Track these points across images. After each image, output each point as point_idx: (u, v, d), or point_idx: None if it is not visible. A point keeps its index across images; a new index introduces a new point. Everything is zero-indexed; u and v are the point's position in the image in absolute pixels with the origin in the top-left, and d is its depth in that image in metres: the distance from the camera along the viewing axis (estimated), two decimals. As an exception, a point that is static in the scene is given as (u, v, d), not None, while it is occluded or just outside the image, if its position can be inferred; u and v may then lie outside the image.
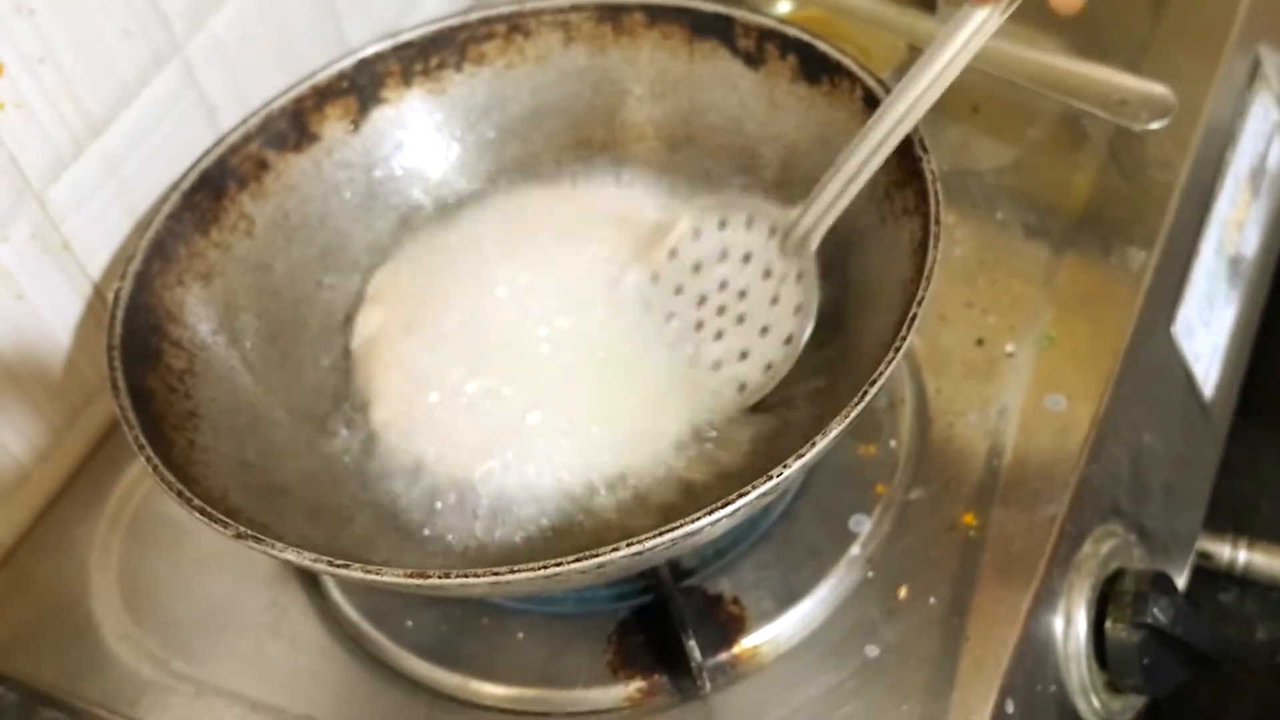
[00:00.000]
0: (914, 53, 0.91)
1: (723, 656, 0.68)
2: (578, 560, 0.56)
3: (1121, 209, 0.85)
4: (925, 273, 0.64)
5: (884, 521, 0.73)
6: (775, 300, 0.71)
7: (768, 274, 0.71)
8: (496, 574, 0.56)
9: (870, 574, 0.71)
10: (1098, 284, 0.82)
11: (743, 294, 0.72)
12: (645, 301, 0.74)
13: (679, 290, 0.74)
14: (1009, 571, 0.71)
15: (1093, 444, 0.75)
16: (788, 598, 0.70)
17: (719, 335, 0.72)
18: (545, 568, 0.56)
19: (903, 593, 0.70)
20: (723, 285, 0.73)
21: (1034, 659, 0.69)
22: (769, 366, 0.70)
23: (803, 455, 0.59)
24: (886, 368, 0.61)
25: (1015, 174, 0.88)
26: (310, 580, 0.74)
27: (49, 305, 0.75)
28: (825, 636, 0.70)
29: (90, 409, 0.80)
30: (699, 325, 0.73)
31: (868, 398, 0.60)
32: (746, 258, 0.72)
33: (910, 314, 0.63)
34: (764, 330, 0.71)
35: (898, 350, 0.62)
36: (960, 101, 0.92)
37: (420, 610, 0.71)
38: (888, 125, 0.67)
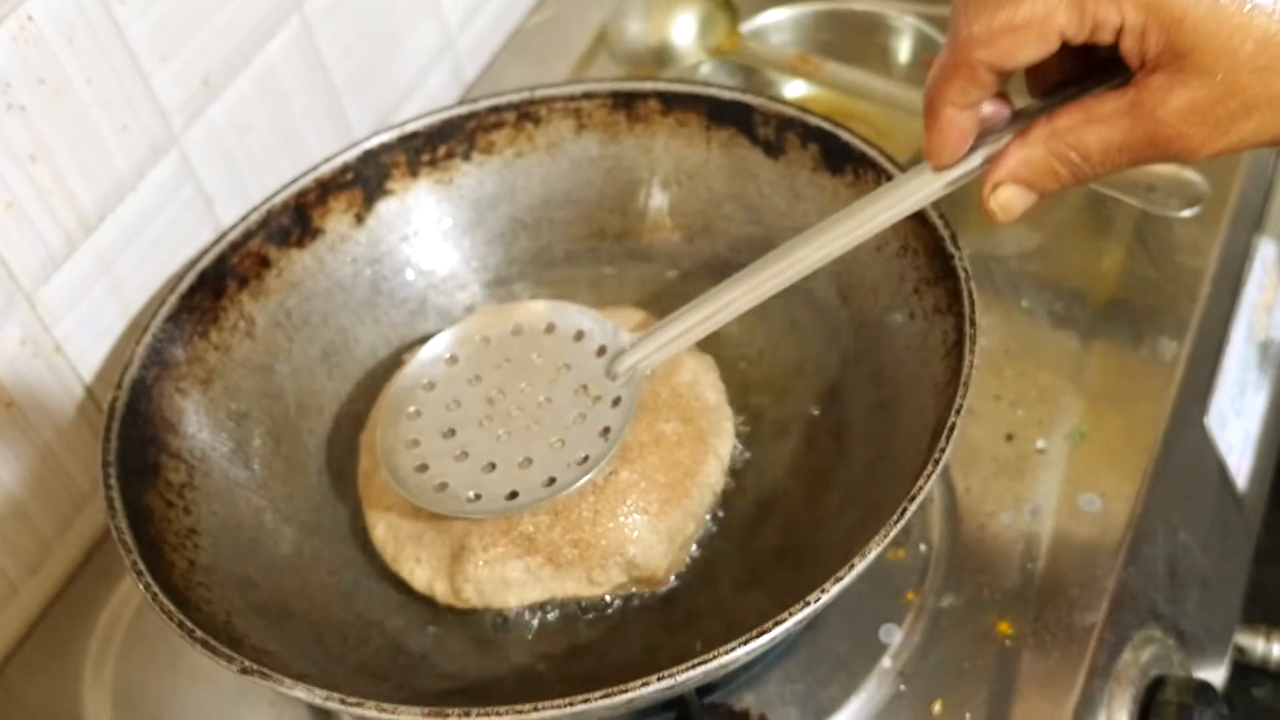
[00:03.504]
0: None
1: (750, 779, 0.65)
2: (606, 696, 0.53)
3: (1151, 296, 0.82)
4: (963, 378, 0.62)
5: (915, 631, 0.69)
6: (582, 417, 0.66)
7: (583, 389, 0.66)
8: (519, 711, 0.53)
9: (902, 687, 0.68)
10: (1128, 375, 0.79)
11: (547, 401, 0.67)
12: (432, 382, 0.69)
13: (474, 378, 0.69)
14: (1047, 683, 0.68)
15: (1129, 546, 0.72)
16: (817, 713, 0.67)
17: (505, 435, 0.67)
18: (571, 704, 0.53)
19: (937, 708, 0.67)
20: (527, 388, 0.68)
21: (1076, 778, 0.66)
22: (550, 481, 0.64)
23: (841, 578, 0.56)
24: (925, 482, 0.58)
25: (1040, 260, 0.85)
26: (315, 698, 0.70)
27: (39, 412, 0.72)
28: (857, 756, 0.66)
29: (81, 518, 0.77)
30: (485, 420, 0.67)
31: (907, 514, 0.57)
32: (565, 367, 0.68)
33: (949, 424, 0.60)
34: (558, 443, 0.65)
35: (937, 463, 0.59)
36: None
37: (433, 731, 0.68)
38: (763, 276, 0.62)
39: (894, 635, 0.69)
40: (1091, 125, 0.52)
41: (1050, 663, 0.68)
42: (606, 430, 0.65)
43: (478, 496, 0.64)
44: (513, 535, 0.65)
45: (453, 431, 0.67)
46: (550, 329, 0.69)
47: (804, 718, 0.67)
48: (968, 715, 0.66)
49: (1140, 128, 0.51)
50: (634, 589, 0.68)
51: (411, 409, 0.68)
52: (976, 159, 0.56)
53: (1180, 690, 0.70)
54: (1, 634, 0.73)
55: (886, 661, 0.68)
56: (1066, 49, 0.51)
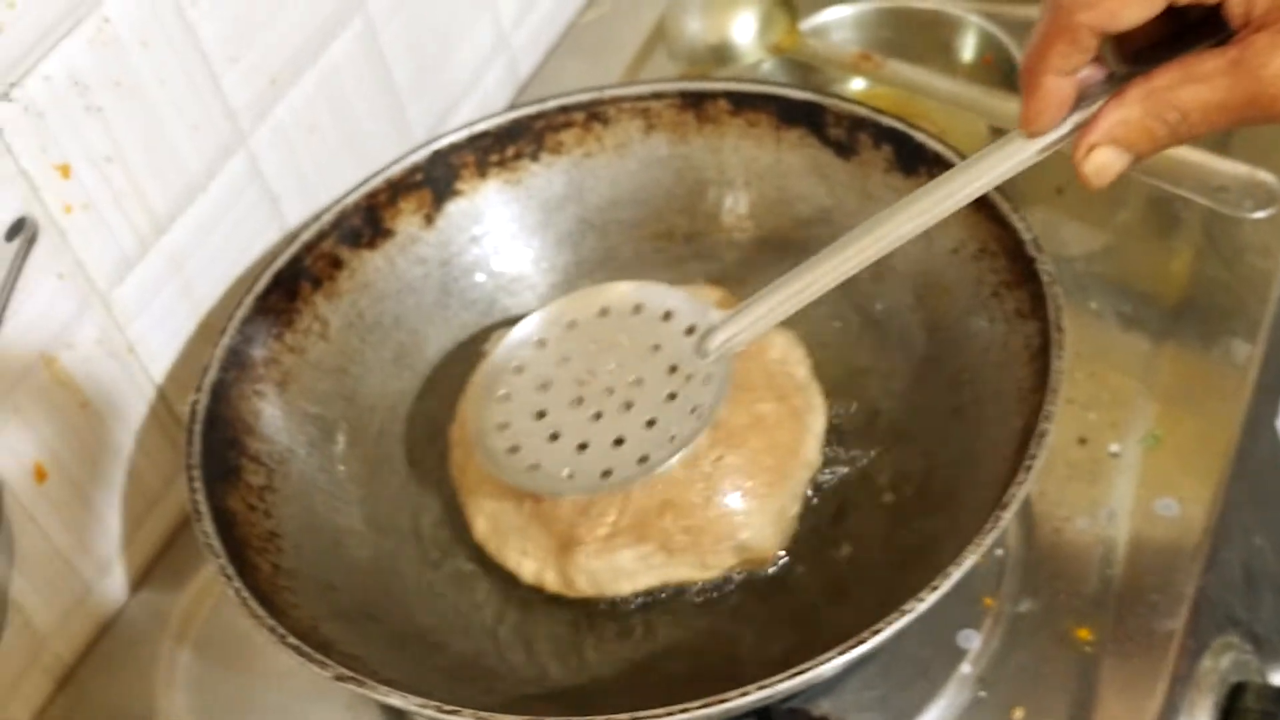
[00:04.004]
0: (997, 135, 0.88)
1: (830, 784, 0.65)
2: (705, 705, 0.53)
3: (1221, 297, 0.82)
4: (1051, 384, 0.61)
5: (994, 636, 0.69)
6: (673, 396, 0.65)
7: (673, 369, 0.66)
8: (620, 721, 0.52)
9: (982, 694, 0.67)
10: (1201, 377, 0.78)
11: (638, 382, 0.66)
12: (521, 365, 0.69)
13: (563, 360, 0.68)
14: (1129, 691, 0.67)
15: (1208, 552, 0.71)
16: (896, 720, 0.67)
17: (597, 416, 0.66)
18: (670, 714, 0.52)
19: (1018, 714, 0.67)
20: (617, 368, 0.67)
21: (1159, 785, 0.66)
22: (643, 459, 0.64)
23: (937, 587, 0.56)
24: (1019, 489, 0.58)
25: (1107, 260, 0.84)
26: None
27: (112, 412, 0.72)
28: (938, 763, 0.66)
29: (152, 517, 0.76)
30: (575, 401, 0.67)
31: (1002, 522, 0.57)
32: (655, 348, 0.67)
33: (1039, 430, 0.60)
34: (650, 423, 0.65)
35: (1029, 470, 0.58)
36: (1044, 183, 0.89)
37: (511, 734, 0.67)
38: (856, 248, 0.61)
39: (973, 641, 0.69)
40: (1191, 84, 0.51)
41: (1131, 670, 0.67)
42: (698, 408, 0.64)
43: (571, 475, 0.64)
44: (621, 524, 0.66)
45: (543, 413, 0.67)
46: (638, 310, 0.68)
47: (883, 723, 0.67)
48: (1049, 722, 0.66)
49: (1241, 87, 0.50)
50: (743, 569, 0.68)
51: (502, 392, 0.68)
52: (1068, 125, 0.55)
53: (1261, 697, 0.69)
54: (75, 633, 0.73)
55: (965, 667, 0.68)
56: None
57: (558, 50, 1.04)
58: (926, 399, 0.72)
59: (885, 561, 0.68)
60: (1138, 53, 0.54)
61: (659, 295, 0.68)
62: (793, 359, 0.72)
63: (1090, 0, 0.50)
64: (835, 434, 0.73)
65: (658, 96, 0.78)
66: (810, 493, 0.70)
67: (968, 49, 0.92)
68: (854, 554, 0.69)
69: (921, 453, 0.70)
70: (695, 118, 0.78)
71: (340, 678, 0.55)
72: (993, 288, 0.69)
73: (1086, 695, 0.67)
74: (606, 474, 0.64)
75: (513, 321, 0.76)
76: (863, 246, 0.61)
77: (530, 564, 0.67)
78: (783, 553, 0.68)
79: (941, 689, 0.67)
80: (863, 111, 0.74)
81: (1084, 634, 0.69)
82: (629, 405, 0.66)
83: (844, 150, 0.75)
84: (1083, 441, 0.76)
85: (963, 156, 0.71)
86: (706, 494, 0.66)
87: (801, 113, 0.76)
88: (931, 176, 0.71)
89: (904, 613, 0.54)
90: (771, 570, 0.68)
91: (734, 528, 0.66)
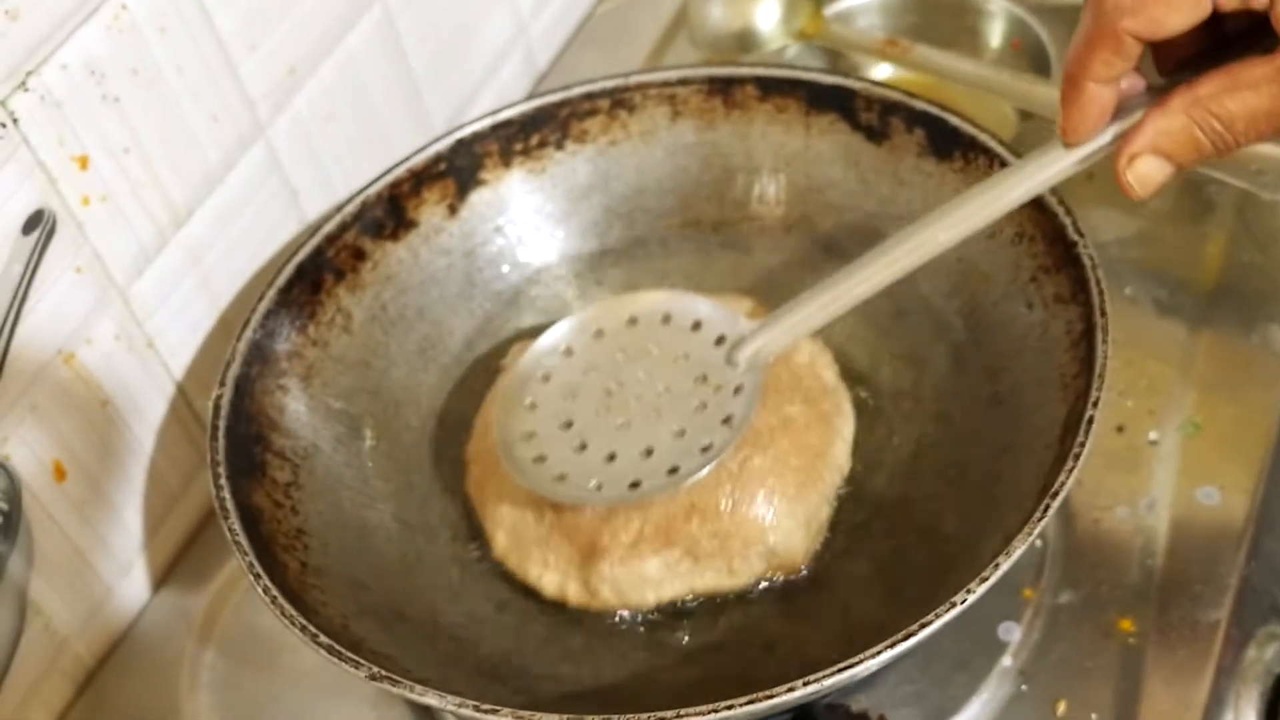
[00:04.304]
0: (1026, 120, 0.87)
1: (872, 782, 0.64)
2: (750, 702, 0.51)
3: (1258, 281, 0.80)
4: (1097, 370, 0.60)
5: (1034, 629, 0.68)
6: (703, 406, 0.64)
7: (703, 379, 0.65)
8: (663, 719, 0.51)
9: (1024, 687, 0.66)
10: (1239, 364, 0.77)
11: (667, 391, 0.66)
12: (547, 374, 0.68)
13: (590, 369, 0.67)
14: (1174, 683, 0.66)
15: (1251, 540, 0.70)
16: (937, 714, 0.65)
17: (625, 425, 0.65)
18: (715, 710, 0.51)
19: (1061, 708, 0.65)
20: (646, 377, 0.66)
21: (1208, 780, 0.64)
22: (673, 470, 0.63)
23: (986, 579, 0.54)
24: (1068, 478, 0.57)
25: (1140, 246, 0.83)
26: (418, 700, 0.69)
27: (132, 409, 0.71)
28: (980, 759, 0.65)
29: (173, 515, 0.75)
30: (603, 411, 0.66)
31: (1050, 511, 0.56)
32: (684, 357, 0.66)
33: (1086, 416, 0.59)
34: (679, 433, 0.64)
35: (1077, 458, 0.57)
36: (1074, 168, 0.87)
37: (543, 734, 0.66)
38: (889, 258, 0.60)
39: (1013, 633, 0.67)
40: (1237, 92, 0.50)
41: (1175, 661, 0.66)
42: (729, 418, 0.63)
43: (599, 486, 0.63)
44: (646, 531, 0.64)
45: (570, 423, 0.65)
46: (666, 319, 0.67)
47: (924, 719, 0.65)
48: (1093, 716, 0.64)
49: None
50: (771, 575, 0.66)
51: (528, 401, 0.66)
52: (1108, 134, 0.54)
53: (1307, 688, 0.68)
54: (96, 635, 0.72)
55: (1007, 660, 0.66)
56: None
57: (576, 40, 1.03)
58: (964, 387, 0.70)
59: (923, 555, 0.66)
60: (1177, 66, 0.53)
61: (688, 304, 0.67)
62: (821, 362, 0.71)
63: (1134, 6, 0.49)
64: (869, 423, 0.72)
65: (684, 82, 0.77)
66: (842, 491, 0.69)
67: (995, 33, 0.90)
68: (889, 546, 0.67)
69: (959, 441, 0.69)
70: (723, 104, 0.77)
71: (374, 677, 0.54)
72: (1031, 273, 0.67)
73: (1131, 687, 0.66)
74: (635, 485, 0.63)
75: (538, 331, 0.74)
76: (897, 256, 0.60)
77: (552, 576, 0.66)
78: (814, 554, 0.67)
79: (982, 683, 0.66)
80: (895, 95, 0.73)
81: (1126, 625, 0.67)
82: (658, 415, 0.65)
83: (875, 135, 0.74)
84: (1120, 430, 0.74)
85: (996, 139, 0.70)
86: (734, 497, 0.64)
87: (831, 97, 0.75)
88: (966, 160, 0.70)
89: (953, 605, 0.53)
90: (804, 571, 0.66)
91: (762, 531, 0.65)
